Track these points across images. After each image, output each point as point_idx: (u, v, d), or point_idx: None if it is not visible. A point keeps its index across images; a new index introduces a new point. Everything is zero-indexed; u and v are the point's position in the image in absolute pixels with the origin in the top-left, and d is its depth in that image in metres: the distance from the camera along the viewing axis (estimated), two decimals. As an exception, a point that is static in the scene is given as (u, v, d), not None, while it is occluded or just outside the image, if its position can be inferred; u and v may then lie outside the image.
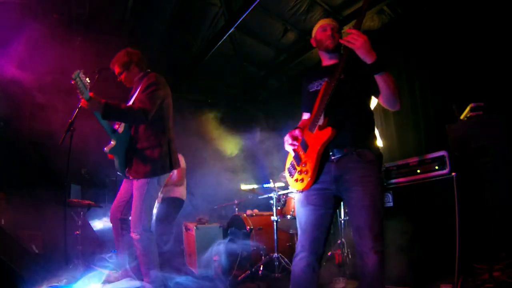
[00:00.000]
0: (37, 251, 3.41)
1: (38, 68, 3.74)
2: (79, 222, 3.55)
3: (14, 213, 3.59)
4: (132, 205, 2.66)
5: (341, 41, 1.79)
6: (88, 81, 2.33)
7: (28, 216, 3.59)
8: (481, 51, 3.51)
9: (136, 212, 2.62)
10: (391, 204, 2.92)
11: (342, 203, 3.90)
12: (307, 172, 1.85)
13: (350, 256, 3.63)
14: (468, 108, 2.97)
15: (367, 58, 1.73)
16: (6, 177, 4.00)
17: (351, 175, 1.82)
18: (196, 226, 4.12)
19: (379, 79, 1.77)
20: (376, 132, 4.52)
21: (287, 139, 1.98)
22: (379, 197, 1.81)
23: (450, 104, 3.29)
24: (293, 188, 2.00)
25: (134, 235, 2.62)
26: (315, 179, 1.85)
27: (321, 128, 1.85)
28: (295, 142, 1.95)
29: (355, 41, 1.73)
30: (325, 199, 1.89)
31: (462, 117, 3.03)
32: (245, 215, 4.11)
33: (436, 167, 2.69)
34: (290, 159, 2.04)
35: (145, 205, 2.63)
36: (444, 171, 2.63)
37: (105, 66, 2.90)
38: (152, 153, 2.66)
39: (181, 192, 4.42)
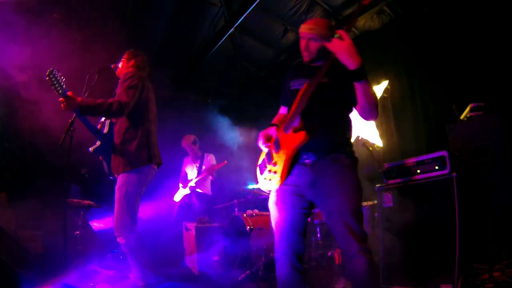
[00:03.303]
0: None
1: (38, 68, 3.74)
2: (79, 222, 3.55)
3: (14, 213, 3.58)
4: (114, 207, 2.61)
5: (325, 44, 1.71)
6: (64, 79, 2.40)
7: (28, 216, 3.59)
8: (481, 51, 3.51)
9: (118, 214, 2.57)
10: (391, 204, 2.93)
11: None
12: (276, 173, 1.84)
13: (350, 256, 3.62)
14: (468, 108, 2.97)
15: (350, 63, 1.65)
16: (6, 177, 4.00)
17: (328, 180, 1.79)
18: (196, 226, 4.12)
19: (358, 86, 1.71)
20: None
21: (261, 137, 1.96)
22: (358, 201, 1.78)
23: (450, 104, 3.29)
24: (260, 186, 2.00)
25: (119, 239, 2.58)
26: (283, 181, 1.84)
27: (295, 130, 1.80)
28: (268, 143, 1.95)
29: (338, 45, 1.65)
30: (299, 200, 1.87)
31: (462, 117, 3.03)
32: (245, 215, 4.11)
33: (436, 167, 2.68)
34: (263, 156, 2.03)
35: (126, 206, 2.57)
36: (444, 171, 2.63)
37: (105, 66, 2.90)
38: (130, 145, 2.62)
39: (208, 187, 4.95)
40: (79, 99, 2.44)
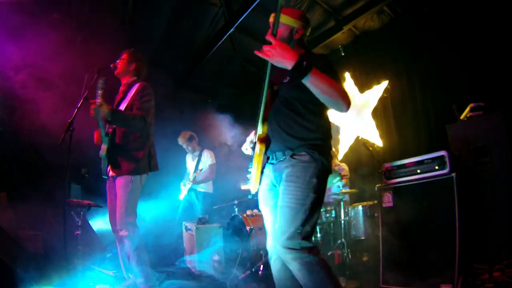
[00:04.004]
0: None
1: (37, 67, 3.74)
2: (79, 222, 3.55)
3: (14, 213, 3.58)
4: (117, 203, 2.75)
5: (256, 52, 1.60)
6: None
7: (28, 216, 3.59)
8: (481, 51, 3.51)
9: (122, 209, 2.71)
10: (391, 204, 2.93)
11: (341, 202, 3.92)
12: (252, 176, 1.86)
13: (350, 256, 3.63)
14: (468, 108, 2.97)
15: (286, 65, 1.54)
16: (6, 177, 3.99)
17: (282, 175, 1.78)
18: (196, 226, 4.12)
19: (307, 84, 1.57)
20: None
21: (246, 141, 2.02)
22: (302, 200, 1.68)
23: (450, 104, 3.29)
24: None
25: (122, 232, 2.69)
26: (257, 184, 1.85)
27: (259, 138, 1.75)
28: (251, 146, 1.96)
29: (267, 52, 1.56)
30: (274, 200, 1.85)
31: (462, 117, 3.03)
32: (245, 215, 4.11)
33: (436, 167, 2.69)
34: None
35: (130, 202, 2.74)
36: (444, 171, 2.63)
37: (104, 65, 2.91)
38: (137, 153, 2.81)
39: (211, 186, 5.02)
40: (110, 107, 2.59)
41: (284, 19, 1.90)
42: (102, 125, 2.69)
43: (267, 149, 1.76)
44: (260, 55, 1.59)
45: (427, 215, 2.66)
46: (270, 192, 1.91)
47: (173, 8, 4.57)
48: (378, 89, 4.80)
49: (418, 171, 2.81)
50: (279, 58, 1.55)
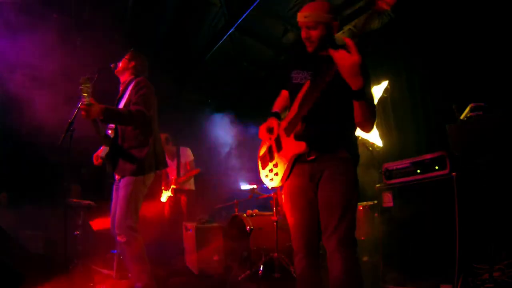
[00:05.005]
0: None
1: (38, 67, 3.74)
2: (79, 222, 3.55)
3: (14, 213, 3.59)
4: (117, 205, 2.62)
5: (331, 51, 1.50)
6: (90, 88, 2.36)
7: (28, 216, 3.59)
8: (481, 50, 3.51)
9: (121, 212, 2.57)
10: (391, 204, 2.93)
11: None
12: (277, 174, 1.82)
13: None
14: (468, 108, 2.96)
15: (352, 83, 1.51)
16: (6, 177, 4.00)
17: (323, 173, 1.76)
18: (196, 226, 4.12)
19: (355, 104, 1.61)
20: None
21: (262, 129, 1.94)
22: (350, 197, 1.72)
23: (450, 104, 3.28)
24: (262, 179, 1.98)
25: (120, 238, 2.54)
26: (283, 183, 1.83)
27: (297, 136, 1.72)
28: (270, 136, 1.91)
29: (342, 59, 1.47)
30: (308, 200, 1.83)
31: (462, 117, 3.02)
32: (245, 215, 4.10)
33: (436, 167, 2.68)
34: (264, 148, 2.01)
35: (130, 205, 2.58)
36: (444, 171, 2.63)
37: (104, 65, 2.90)
38: (139, 152, 2.66)
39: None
40: (102, 106, 2.39)
41: (318, 17, 1.70)
42: (98, 126, 2.57)
43: (308, 152, 1.72)
44: (332, 53, 1.49)
45: (427, 215, 2.66)
46: (298, 194, 1.85)
47: (173, 8, 4.57)
48: (378, 89, 4.80)
49: (418, 171, 2.81)
50: (350, 74, 1.48)
